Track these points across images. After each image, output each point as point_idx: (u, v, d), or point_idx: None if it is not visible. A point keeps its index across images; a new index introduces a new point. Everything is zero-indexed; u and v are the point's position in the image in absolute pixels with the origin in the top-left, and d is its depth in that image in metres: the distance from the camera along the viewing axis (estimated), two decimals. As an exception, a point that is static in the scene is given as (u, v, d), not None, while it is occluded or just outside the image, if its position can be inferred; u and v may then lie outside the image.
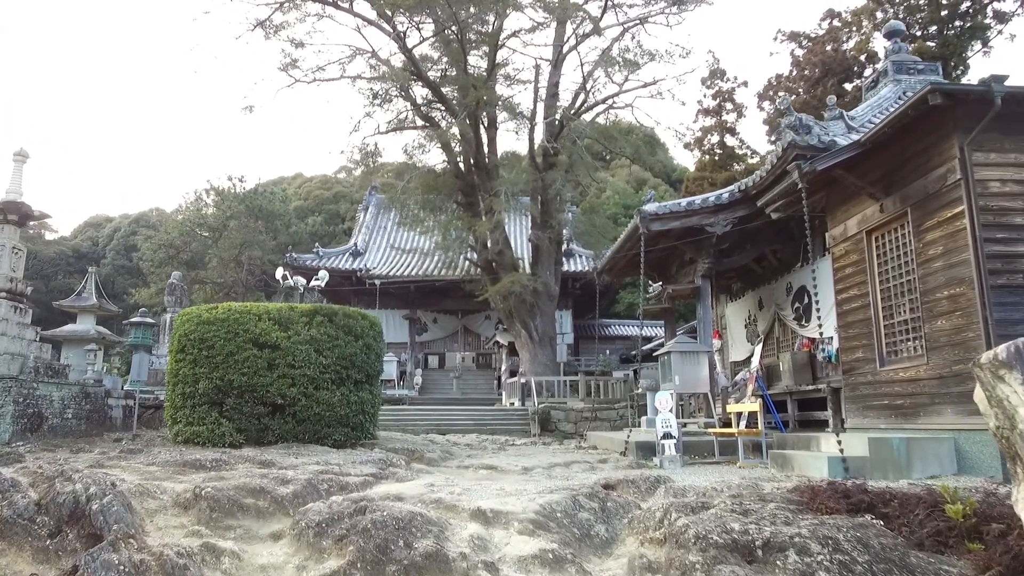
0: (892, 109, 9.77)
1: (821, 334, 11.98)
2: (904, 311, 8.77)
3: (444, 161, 21.76)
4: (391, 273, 29.22)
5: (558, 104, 21.08)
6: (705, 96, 43.10)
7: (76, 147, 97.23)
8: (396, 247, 30.64)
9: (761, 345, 11.91)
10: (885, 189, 9.01)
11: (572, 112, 21.09)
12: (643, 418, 14.46)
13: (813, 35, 37.99)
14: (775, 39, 40.66)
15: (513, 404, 21.37)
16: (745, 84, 42.50)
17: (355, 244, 32.58)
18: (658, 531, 5.61)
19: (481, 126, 20.99)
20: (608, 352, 31.14)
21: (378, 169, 24.41)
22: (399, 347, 30.51)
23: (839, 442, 7.62)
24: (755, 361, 11.83)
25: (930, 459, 7.56)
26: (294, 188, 61.28)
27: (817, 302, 12.91)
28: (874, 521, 5.23)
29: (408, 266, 30.08)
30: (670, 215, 12.58)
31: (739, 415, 11.41)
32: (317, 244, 32.18)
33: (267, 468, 9.29)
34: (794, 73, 38.17)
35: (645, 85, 20.69)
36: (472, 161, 21.09)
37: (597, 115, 22.20)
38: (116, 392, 17.02)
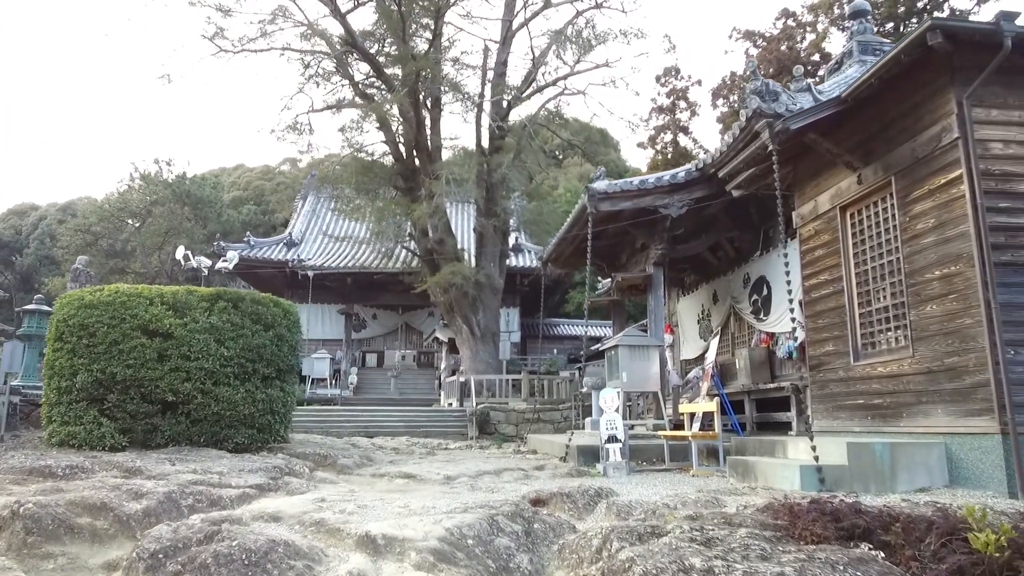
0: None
1: (792, 328, 10.94)
2: (884, 297, 7.63)
3: (383, 141, 20.13)
4: (325, 264, 27.38)
5: (506, 84, 19.68)
6: (659, 94, 42.38)
7: (4, 132, 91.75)
8: (333, 236, 28.81)
9: (718, 339, 10.77)
10: (864, 157, 7.87)
11: (521, 94, 19.72)
12: (587, 419, 13.17)
13: (768, 34, 37.54)
14: (730, 37, 40.19)
15: (451, 405, 19.88)
16: (699, 83, 41.75)
17: (290, 234, 30.61)
18: (595, 565, 4.23)
19: (423, 106, 19.45)
20: (556, 352, 29.91)
21: (322, 160, 22.61)
22: (334, 344, 28.68)
23: (814, 448, 6.38)
24: (711, 356, 10.65)
25: (918, 468, 6.39)
26: (234, 178, 58.60)
27: (777, 293, 11.95)
28: (874, 554, 3.94)
29: (345, 257, 28.28)
30: (621, 194, 11.31)
31: (692, 416, 10.18)
32: (248, 233, 30.11)
33: (131, 477, 7.74)
34: (747, 72, 37.73)
35: (598, 66, 19.47)
36: (413, 143, 19.52)
37: (548, 100, 20.91)
38: (-1, 387, 14.90)
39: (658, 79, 42.96)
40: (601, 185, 11.25)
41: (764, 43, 38.19)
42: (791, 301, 11.27)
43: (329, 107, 20.97)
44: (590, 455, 9.95)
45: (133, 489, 6.51)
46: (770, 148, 7.46)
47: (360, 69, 20.14)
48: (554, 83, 19.97)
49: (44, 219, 55.48)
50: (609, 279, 17.56)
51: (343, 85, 20.07)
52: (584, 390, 13.58)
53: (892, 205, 7.46)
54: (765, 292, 12.23)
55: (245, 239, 29.30)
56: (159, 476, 7.57)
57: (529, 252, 29.21)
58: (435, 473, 8.87)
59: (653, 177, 11.61)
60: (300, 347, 12.63)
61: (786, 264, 7.80)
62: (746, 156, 8.31)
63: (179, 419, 9.90)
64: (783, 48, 36.65)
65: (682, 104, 42.95)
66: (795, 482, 6.42)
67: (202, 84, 77.09)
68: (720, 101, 39.37)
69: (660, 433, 9.99)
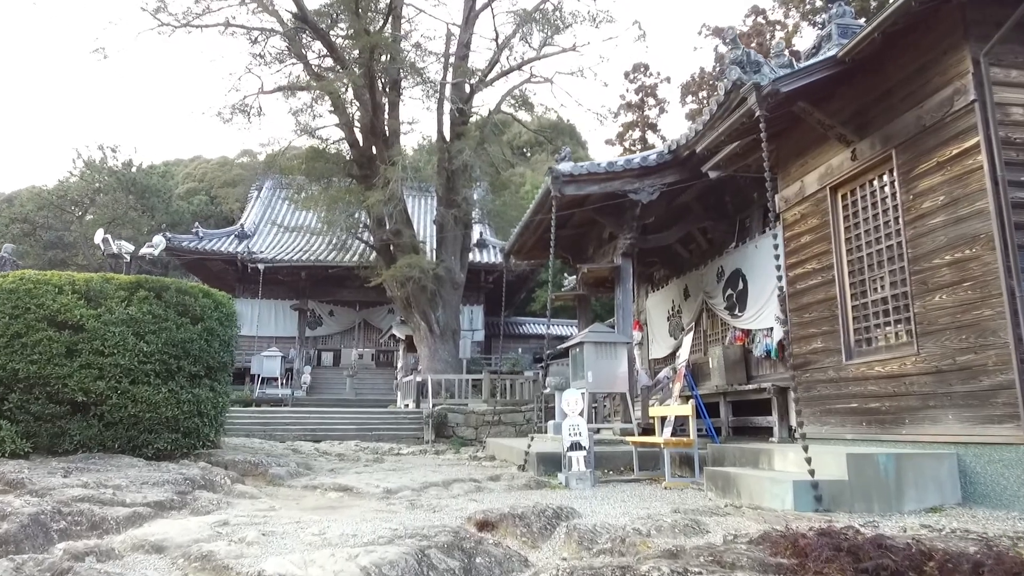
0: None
1: (770, 324, 10.11)
2: (882, 287, 6.76)
3: (337, 124, 18.87)
4: (278, 257, 25.98)
5: (469, 68, 18.58)
6: (628, 90, 41.86)
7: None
8: (287, 227, 27.40)
9: (691, 335, 9.89)
10: (860, 128, 6.99)
11: (485, 76, 18.64)
12: (549, 423, 12.17)
13: (738, 31, 37.02)
14: (699, 34, 39.74)
15: (408, 406, 18.73)
16: (668, 80, 41.32)
17: (242, 226, 29.10)
18: (548, 623, 3.24)
19: (380, 89, 18.24)
20: (521, 351, 28.93)
21: (282, 153, 21.22)
22: (287, 341, 27.29)
23: (808, 460, 5.46)
24: (684, 354, 9.74)
25: (927, 483, 5.51)
26: (189, 170, 56.42)
27: (754, 287, 11.10)
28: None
29: (299, 251, 26.91)
30: (587, 177, 10.34)
31: (663, 420, 9.24)
32: (197, 224, 28.55)
33: (8, 492, 6.56)
34: (717, 69, 37.34)
35: (565, 51, 18.45)
36: (369, 127, 18.31)
37: (513, 87, 19.83)
38: None
39: (627, 75, 42.36)
40: (566, 167, 10.27)
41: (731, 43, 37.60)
42: (770, 295, 10.52)
43: (280, 88, 19.65)
44: (551, 463, 8.96)
45: (-7, 510, 5.35)
46: (757, 114, 6.53)
47: (314, 48, 18.89)
48: (519, 67, 18.95)
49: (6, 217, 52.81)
50: (574, 276, 16.61)
51: (294, 64, 18.80)
52: (547, 391, 12.58)
53: (893, 182, 6.59)
54: (741, 286, 11.36)
55: (193, 230, 27.77)
56: (41, 491, 6.39)
57: (494, 248, 28.17)
58: (375, 485, 7.78)
59: (622, 159, 10.66)
60: (235, 342, 11.46)
61: (775, 249, 6.87)
62: (727, 128, 7.38)
63: (91, 422, 8.84)
64: (753, 45, 36.14)
65: (651, 101, 42.42)
66: (787, 500, 5.48)
67: (149, 69, 74.40)
68: (689, 98, 38.87)
69: (628, 439, 9.03)
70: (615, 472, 9.21)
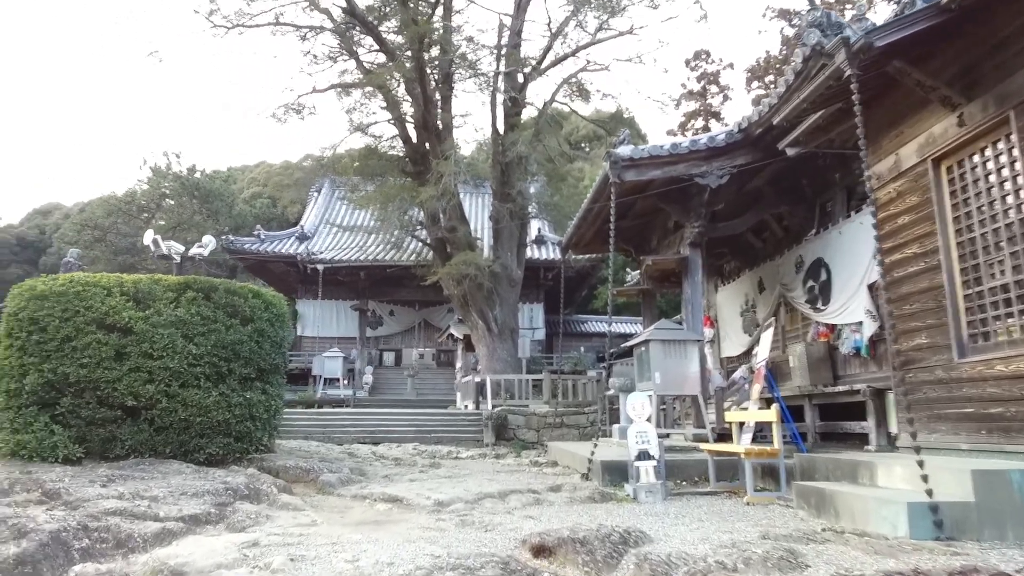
0: None
1: (863, 318, 9.11)
2: (1002, 272, 5.78)
3: (390, 121, 18.53)
4: (336, 257, 25.94)
5: (522, 56, 17.92)
6: (689, 79, 40.44)
7: (39, 134, 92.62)
8: (345, 227, 27.35)
9: (771, 330, 8.98)
10: (968, 89, 6.01)
11: (539, 64, 17.95)
12: (614, 426, 11.43)
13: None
14: (764, 16, 38.03)
15: (467, 407, 18.24)
16: (731, 66, 39.80)
17: (302, 227, 29.26)
18: None
19: (431, 80, 17.80)
20: (583, 350, 28.10)
21: (336, 154, 21.11)
22: (349, 342, 27.25)
23: (924, 477, 4.59)
24: (763, 352, 8.82)
25: (1075, 507, 4.57)
26: (255, 175, 57.72)
27: (839, 278, 10.08)
28: None
29: (358, 250, 26.82)
30: (649, 161, 9.54)
31: (742, 425, 8.38)
32: (259, 226, 28.85)
33: (45, 502, 6.32)
34: (784, 52, 35.64)
35: (621, 34, 17.58)
36: (421, 122, 17.89)
37: (569, 76, 19.04)
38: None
39: (688, 63, 40.93)
40: (625, 150, 9.50)
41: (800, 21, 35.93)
42: (858, 286, 9.50)
43: (333, 86, 19.46)
44: (617, 472, 8.25)
45: (19, 525, 5.05)
46: (846, 75, 5.65)
47: (364, 44, 18.59)
48: (574, 54, 18.18)
49: (68, 218, 55.21)
50: (637, 271, 15.76)
51: (346, 60, 18.54)
52: (610, 392, 11.83)
53: (1011, 149, 5.61)
54: (823, 277, 10.35)
55: (255, 233, 28.06)
56: (75, 503, 6.10)
57: (553, 244, 27.48)
58: (426, 496, 7.23)
59: (687, 140, 9.81)
60: (288, 343, 11.20)
61: (863, 235, 5.97)
62: (811, 93, 6.50)
63: (141, 426, 8.67)
64: (823, 23, 34.20)
65: (713, 88, 40.87)
66: (900, 525, 4.63)
67: (211, 77, 76.54)
68: (755, 84, 37.22)
69: (703, 447, 8.22)
70: (688, 483, 8.43)
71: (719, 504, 6.99)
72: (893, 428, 7.67)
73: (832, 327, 10.24)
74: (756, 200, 10.84)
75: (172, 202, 31.48)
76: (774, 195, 10.80)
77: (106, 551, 4.95)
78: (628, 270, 20.05)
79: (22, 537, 4.82)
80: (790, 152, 7.97)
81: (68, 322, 8.51)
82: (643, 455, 7.45)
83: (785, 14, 36.23)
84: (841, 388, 8.89)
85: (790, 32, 33.47)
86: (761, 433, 8.74)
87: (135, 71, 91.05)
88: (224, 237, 26.71)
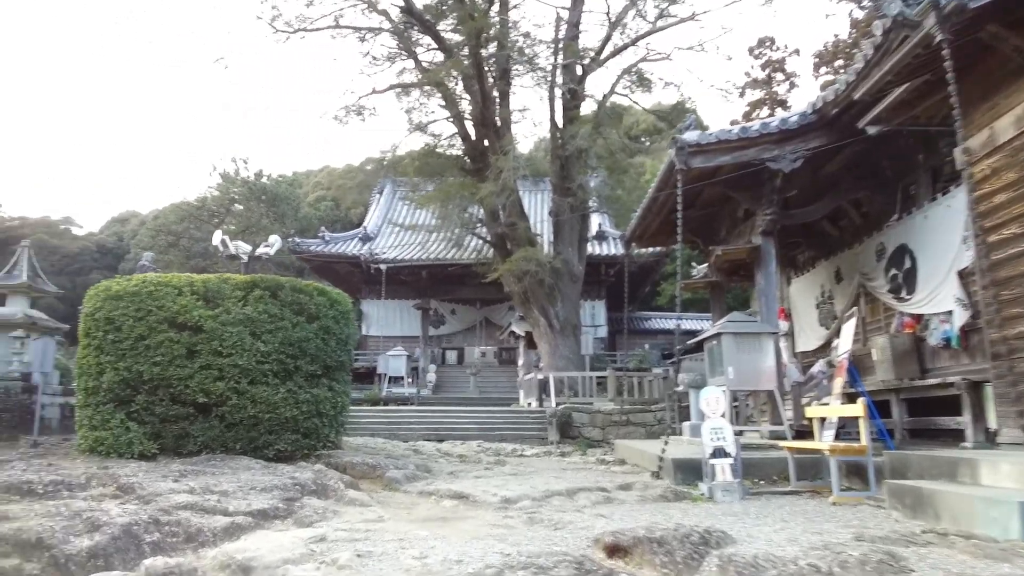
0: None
1: (953, 307, 8.52)
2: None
3: (448, 119, 18.53)
4: (398, 257, 26.18)
5: (580, 47, 17.61)
6: (753, 67, 39.18)
7: (116, 145, 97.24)
8: (406, 226, 27.58)
9: (854, 321, 8.45)
10: (1082, 51, 5.48)
11: (598, 55, 17.61)
12: (685, 424, 11.05)
13: (877, -11, 33.54)
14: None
15: (530, 405, 18.07)
16: (797, 52, 38.32)
17: (365, 229, 29.68)
18: None
19: (489, 76, 17.71)
20: (647, 347, 27.55)
21: (396, 155, 21.32)
22: (412, 341, 27.47)
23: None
24: (845, 344, 8.29)
25: None
26: (319, 179, 59.05)
27: (925, 265, 9.45)
28: None
29: (419, 250, 27.01)
30: (717, 146, 9.14)
31: (823, 421, 7.93)
32: (323, 228, 29.40)
33: (119, 496, 6.41)
34: (853, 36, 34.15)
35: (683, 20, 17.08)
36: (480, 118, 17.82)
37: (629, 67, 18.60)
38: (51, 388, 14.27)
39: (751, 51, 39.67)
40: (692, 136, 9.14)
41: (871, 3, 34.39)
42: (947, 273, 8.89)
43: (392, 87, 19.59)
44: (690, 471, 7.92)
45: (93, 519, 5.11)
46: (937, 40, 5.20)
47: (422, 43, 18.64)
48: (633, 43, 17.76)
49: (143, 225, 57.64)
50: (704, 264, 15.27)
51: (405, 59, 18.60)
52: (680, 388, 11.45)
53: None
54: (908, 265, 9.74)
55: (320, 235, 28.61)
56: (147, 497, 6.17)
57: (614, 239, 27.05)
58: (493, 493, 7.07)
59: (757, 123, 9.38)
60: (353, 340, 11.25)
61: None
62: (896, 64, 6.05)
63: (212, 423, 8.80)
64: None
65: (779, 76, 39.49)
66: (1011, 527, 4.21)
67: (274, 83, 78.68)
68: (823, 69, 35.76)
69: (782, 444, 7.80)
70: (766, 482, 8.02)
71: (802, 504, 6.60)
72: (992, 423, 7.10)
73: (918, 317, 9.64)
74: (832, 185, 10.28)
75: (241, 207, 32.43)
76: (852, 179, 10.22)
77: (176, 545, 4.96)
78: (693, 264, 19.51)
79: (95, 530, 4.88)
80: (871, 131, 7.48)
81: (141, 321, 8.71)
82: (718, 452, 7.11)
83: (855, -4, 34.74)
84: (932, 381, 8.32)
85: (860, 14, 32.02)
86: (844, 430, 8.27)
87: (204, 81, 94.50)
88: (290, 239, 27.31)
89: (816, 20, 65.13)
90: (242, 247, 11.99)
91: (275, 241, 12.52)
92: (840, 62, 34.74)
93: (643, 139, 46.65)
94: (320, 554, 4.35)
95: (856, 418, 6.69)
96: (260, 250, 12.38)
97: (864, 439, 6.58)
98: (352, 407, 17.85)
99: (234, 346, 8.76)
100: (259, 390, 8.83)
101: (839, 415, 7.49)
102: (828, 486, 7.29)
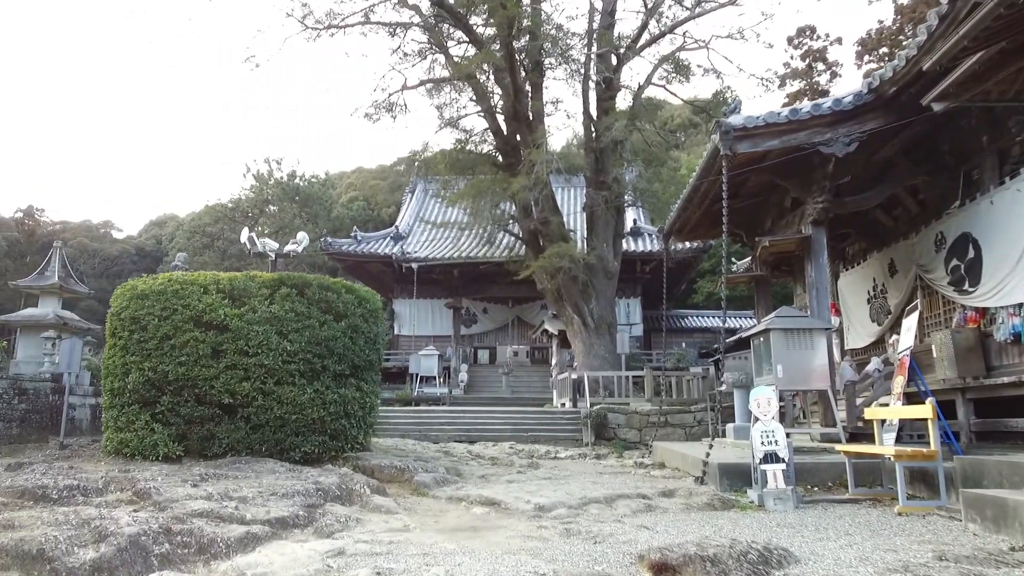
0: None
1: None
2: None
3: (479, 113, 18.14)
4: (430, 256, 25.88)
5: (615, 35, 17.06)
6: (792, 57, 38.08)
7: (157, 149, 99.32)
8: (438, 224, 27.25)
9: (916, 315, 7.79)
10: None
11: (635, 44, 17.04)
12: (729, 425, 10.48)
13: (920, -26, 32.46)
14: (877, -16, 35.39)
15: (564, 405, 17.57)
16: (839, 41, 37.00)
17: (397, 228, 29.46)
18: None
19: (521, 69, 17.27)
20: (684, 346, 26.82)
21: (426, 152, 21.02)
22: (444, 340, 27.16)
23: None
24: (907, 340, 7.63)
25: None
26: (351, 180, 59.34)
27: (991, 255, 8.74)
28: None
29: (451, 248, 26.69)
30: (765, 129, 8.56)
31: (883, 423, 7.31)
32: (356, 228, 29.28)
33: (138, 502, 6.23)
34: (899, 23, 32.93)
35: (722, 5, 16.43)
36: (512, 112, 17.39)
37: (666, 57, 17.97)
38: (81, 389, 14.23)
39: (790, 41, 38.54)
40: (738, 119, 8.57)
41: (916, -12, 33.24)
42: (1017, 262, 8.18)
43: (423, 82, 19.29)
44: (737, 476, 7.39)
45: (101, 528, 4.82)
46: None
47: (454, 37, 18.28)
48: (671, 31, 17.16)
49: (181, 228, 58.50)
50: (747, 259, 14.62)
51: (435, 54, 18.28)
52: (723, 388, 10.87)
53: None
54: (971, 254, 9.02)
55: (352, 234, 28.49)
56: (163, 504, 5.90)
57: (650, 236, 26.40)
58: (526, 500, 6.63)
59: (808, 105, 8.77)
60: (383, 339, 10.94)
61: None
62: (971, 28, 5.44)
63: (237, 424, 8.61)
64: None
65: (820, 66, 38.31)
66: None
67: (307, 87, 79.33)
68: (867, 57, 34.55)
69: (838, 448, 7.21)
70: (820, 489, 7.45)
71: (864, 514, 6.03)
72: (1079, 427, 6.43)
73: (983, 311, 8.93)
74: (888, 171, 9.62)
75: (274, 208, 32.51)
76: (909, 165, 9.54)
77: (187, 556, 4.64)
78: (733, 260, 18.82)
79: (101, 541, 4.58)
80: (936, 107, 6.84)
81: (167, 320, 8.54)
82: (770, 457, 6.57)
83: (898, -18, 33.52)
84: (1006, 379, 7.63)
85: (906, 1, 30.81)
86: (909, 433, 7.63)
87: (242, 84, 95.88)
88: (322, 239, 27.22)
89: (859, 7, 63.22)
90: (269, 244, 11.74)
91: (303, 238, 12.25)
92: (885, 49, 33.50)
93: (679, 134, 45.73)
94: (337, 570, 3.96)
95: (922, 420, 6.09)
96: (288, 247, 12.12)
97: (934, 443, 5.98)
98: (383, 407, 17.65)
99: (260, 345, 8.56)
100: (285, 390, 8.62)
101: (903, 416, 6.87)
102: (890, 494, 6.72)
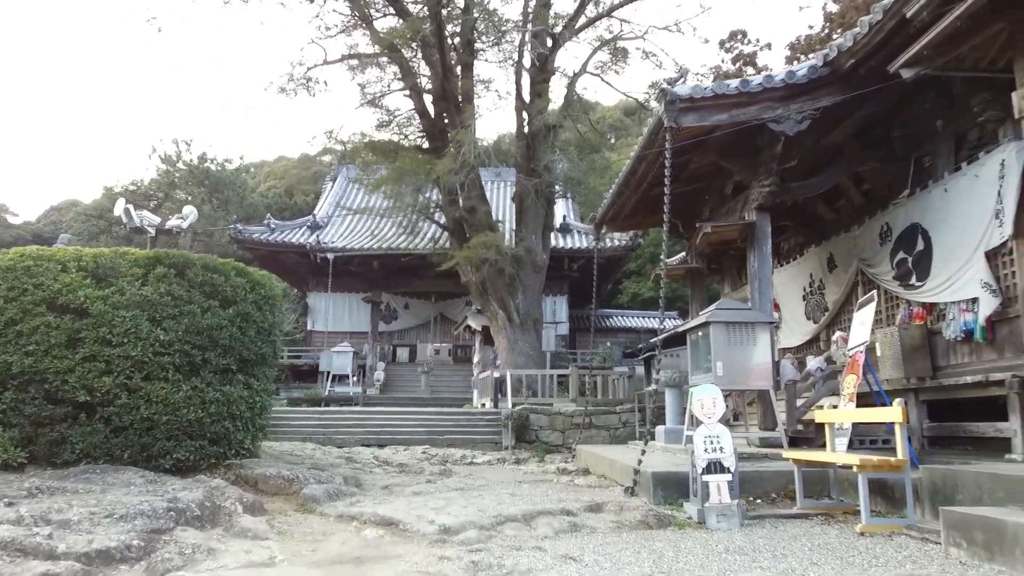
0: None
1: (979, 294, 7.28)
2: None
3: (405, 91, 16.88)
4: (348, 246, 24.35)
5: (553, 15, 16.09)
6: (724, 61, 38.37)
7: (61, 132, 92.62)
8: (356, 210, 25.74)
9: (872, 307, 7.07)
10: None
11: (573, 24, 16.12)
12: (659, 428, 9.63)
13: (848, -14, 33.12)
14: (805, -8, 35.95)
15: (484, 405, 16.49)
16: (768, 46, 37.51)
17: (314, 216, 27.74)
18: None
19: (451, 46, 16.13)
20: (610, 345, 26.23)
21: (359, 149, 19.52)
22: (360, 337, 25.65)
23: None
24: (860, 334, 6.82)
25: None
26: (272, 168, 56.72)
27: (942, 246, 8.17)
28: None
29: (369, 235, 25.23)
30: (713, 102, 7.70)
31: (834, 428, 6.54)
32: (269, 215, 27.42)
33: None
34: (826, 31, 33.48)
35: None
36: (440, 92, 16.21)
37: (603, 44, 17.16)
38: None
39: (722, 44, 38.75)
40: (684, 89, 7.67)
41: (844, -4, 33.89)
42: (972, 254, 7.61)
43: (346, 57, 17.88)
44: (672, 487, 6.48)
45: None
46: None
47: (377, 6, 16.94)
48: (608, 14, 16.36)
49: (83, 214, 54.42)
50: (679, 255, 13.91)
51: (362, 27, 16.85)
52: (653, 388, 10.01)
53: None
54: (920, 246, 8.46)
55: (265, 221, 26.63)
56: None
57: (579, 233, 25.70)
58: (430, 519, 5.48)
59: (760, 77, 7.99)
60: (280, 330, 9.59)
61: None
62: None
63: (95, 427, 7.23)
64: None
65: (750, 71, 38.70)
66: None
67: (221, 67, 75.75)
68: (796, 63, 35.13)
69: (787, 455, 6.37)
70: (763, 500, 6.62)
71: (820, 534, 5.17)
72: (1050, 433, 5.79)
73: (930, 307, 8.37)
74: (836, 156, 8.98)
75: (182, 193, 30.19)
76: (859, 149, 8.93)
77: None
78: (662, 258, 18.18)
79: None
80: (906, 75, 6.09)
81: (14, 302, 7.09)
82: (714, 466, 5.65)
83: (827, -11, 34.06)
84: (970, 379, 6.99)
85: (834, 7, 31.29)
86: (859, 439, 6.91)
87: (151, 63, 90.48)
88: (232, 227, 25.29)
89: (789, 13, 64.84)
90: (148, 218, 10.21)
91: (190, 213, 10.74)
92: (813, 55, 34.02)
93: (609, 136, 45.51)
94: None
95: (897, 424, 5.28)
96: (171, 222, 10.60)
97: (902, 451, 5.17)
98: (288, 408, 16.13)
99: (126, 333, 7.19)
100: (156, 387, 7.25)
101: (868, 419, 6.10)
102: (842, 507, 5.93)
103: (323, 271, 24.85)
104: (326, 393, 20.80)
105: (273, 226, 26.32)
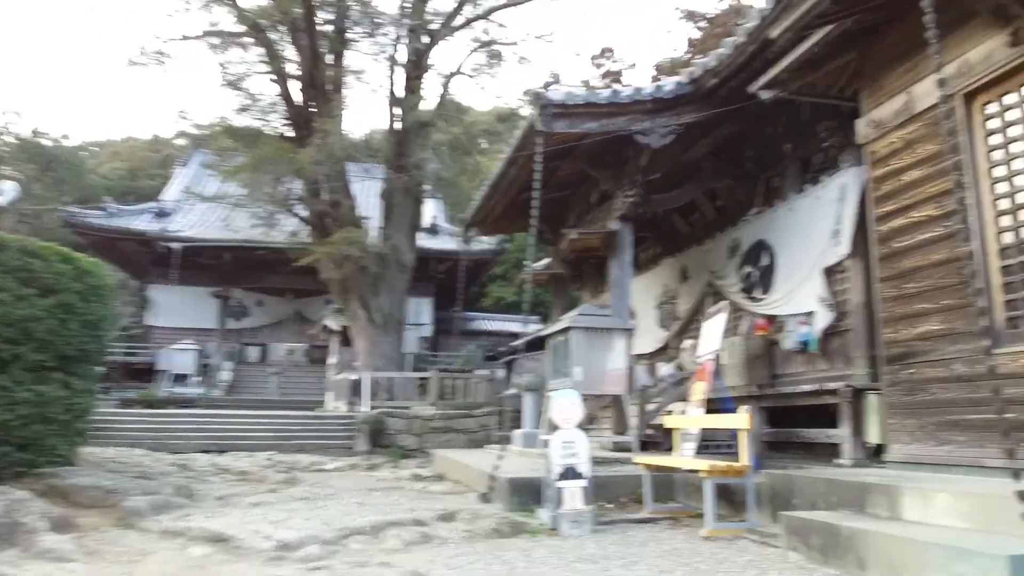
0: None
1: (815, 308, 7.76)
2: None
3: (270, 75, 15.89)
4: (197, 236, 22.66)
5: (432, 11, 15.77)
6: (593, 77, 39.71)
7: None
8: (206, 198, 24.00)
9: (724, 316, 7.38)
10: (1029, -4, 4.58)
11: (450, 21, 15.87)
12: (516, 432, 9.56)
13: (712, 16, 35.36)
14: (676, 11, 37.99)
15: (339, 409, 15.80)
16: (633, 66, 39.34)
17: (160, 203, 25.59)
18: None
19: (319, 34, 15.39)
20: (474, 347, 26.15)
21: (217, 135, 18.02)
22: (206, 334, 23.92)
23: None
24: (711, 342, 7.06)
25: None
26: (119, 149, 52.00)
27: (785, 262, 8.70)
28: None
29: (224, 230, 23.63)
30: (585, 110, 7.75)
31: (684, 434, 6.70)
32: (108, 198, 24.99)
33: None
34: (690, 55, 35.47)
35: (538, -3, 15.89)
36: (308, 79, 15.41)
37: (482, 43, 17.06)
38: None
39: (593, 60, 40.14)
40: (556, 94, 7.66)
41: (707, 25, 36.16)
42: (810, 270, 8.13)
43: (207, 34, 16.55)
44: (527, 492, 6.35)
45: None
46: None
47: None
48: (486, 16, 16.29)
49: None
50: (543, 261, 14.04)
51: (221, 4, 15.68)
52: (512, 391, 9.93)
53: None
54: (766, 261, 8.96)
55: (102, 205, 24.22)
56: None
57: (448, 235, 25.42)
58: (267, 534, 4.98)
59: (629, 88, 8.13)
60: (110, 323, 8.57)
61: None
62: (809, 7, 4.87)
63: None
64: (729, 27, 34.38)
65: (617, 87, 40.43)
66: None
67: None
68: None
69: (638, 460, 6.46)
70: (614, 505, 6.65)
71: (668, 539, 5.23)
72: (872, 437, 6.22)
73: (772, 319, 8.87)
74: (695, 172, 9.36)
75: (8, 169, 26.93)
76: (715, 167, 9.36)
77: None
78: (526, 263, 18.35)
79: None
80: (764, 96, 6.38)
81: None
82: (569, 472, 5.60)
83: (693, 16, 36.07)
84: (806, 388, 7.41)
85: (697, 34, 33.22)
86: (704, 443, 7.13)
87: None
88: (64, 208, 22.81)
89: (657, 35, 68.19)
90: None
91: (9, 188, 9.46)
92: (677, 76, 35.94)
93: (480, 141, 45.69)
94: None
95: (742, 431, 5.44)
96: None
97: (745, 456, 5.34)
98: (119, 410, 14.63)
99: (-83, 325, 6.06)
100: (-48, 386, 6.17)
101: (715, 426, 6.29)
102: (686, 511, 6.08)
103: (167, 262, 22.88)
104: (162, 394, 19.17)
105: (112, 210, 24.02)
